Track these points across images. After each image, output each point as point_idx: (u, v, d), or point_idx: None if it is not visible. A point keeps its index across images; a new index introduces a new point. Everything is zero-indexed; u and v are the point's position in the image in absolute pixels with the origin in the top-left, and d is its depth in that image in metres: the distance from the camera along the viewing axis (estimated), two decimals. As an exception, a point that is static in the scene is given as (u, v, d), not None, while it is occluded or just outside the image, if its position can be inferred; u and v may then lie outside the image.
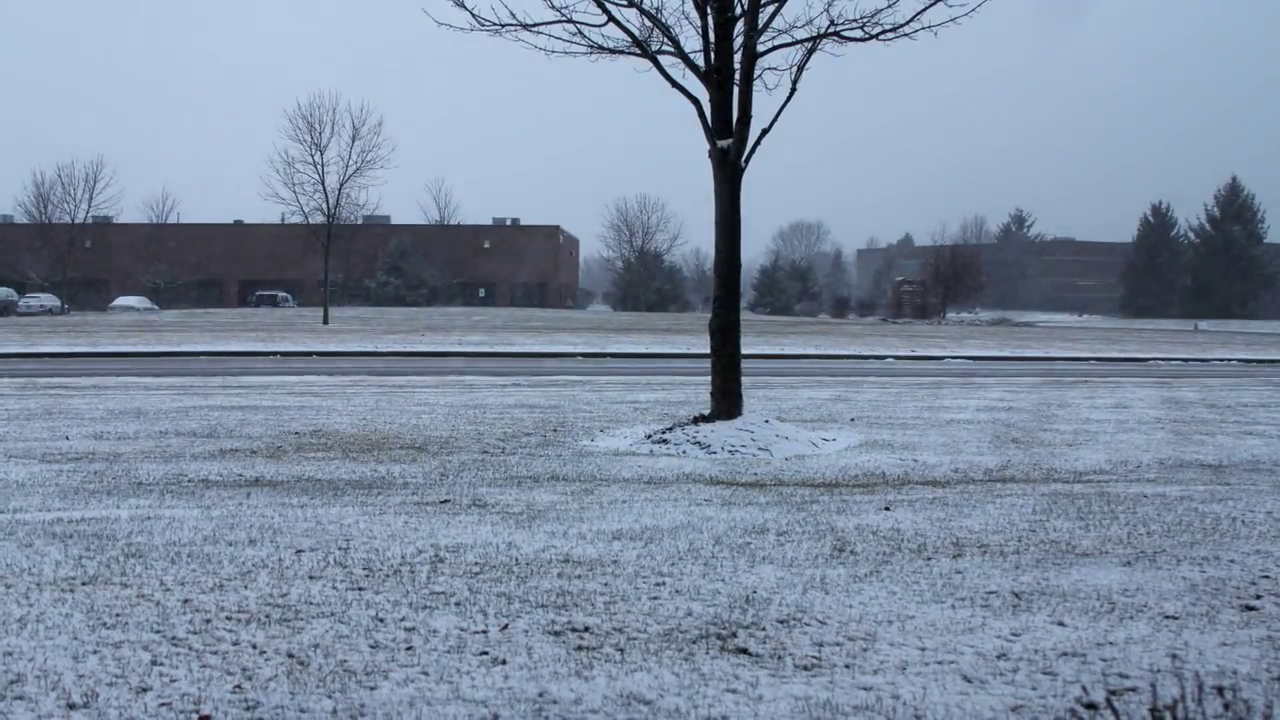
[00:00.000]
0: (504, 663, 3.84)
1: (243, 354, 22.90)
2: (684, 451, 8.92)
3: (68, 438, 9.36)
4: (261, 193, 43.97)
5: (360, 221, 53.24)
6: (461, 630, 4.21)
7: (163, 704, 3.35)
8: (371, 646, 3.97)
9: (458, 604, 4.55)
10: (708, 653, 3.99)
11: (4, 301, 54.81)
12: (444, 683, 3.64)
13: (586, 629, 4.27)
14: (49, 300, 57.48)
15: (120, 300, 61.54)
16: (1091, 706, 2.51)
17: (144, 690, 3.47)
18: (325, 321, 40.33)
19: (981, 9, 9.73)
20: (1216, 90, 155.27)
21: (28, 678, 3.55)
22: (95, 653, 3.82)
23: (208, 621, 4.19)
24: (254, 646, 3.90)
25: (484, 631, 4.19)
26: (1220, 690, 2.52)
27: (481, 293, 76.11)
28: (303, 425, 10.32)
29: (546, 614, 4.44)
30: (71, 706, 3.32)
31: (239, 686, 3.51)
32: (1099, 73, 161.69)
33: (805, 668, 3.85)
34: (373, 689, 3.55)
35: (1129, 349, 31.71)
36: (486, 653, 3.95)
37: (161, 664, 3.72)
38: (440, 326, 37.33)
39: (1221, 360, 26.90)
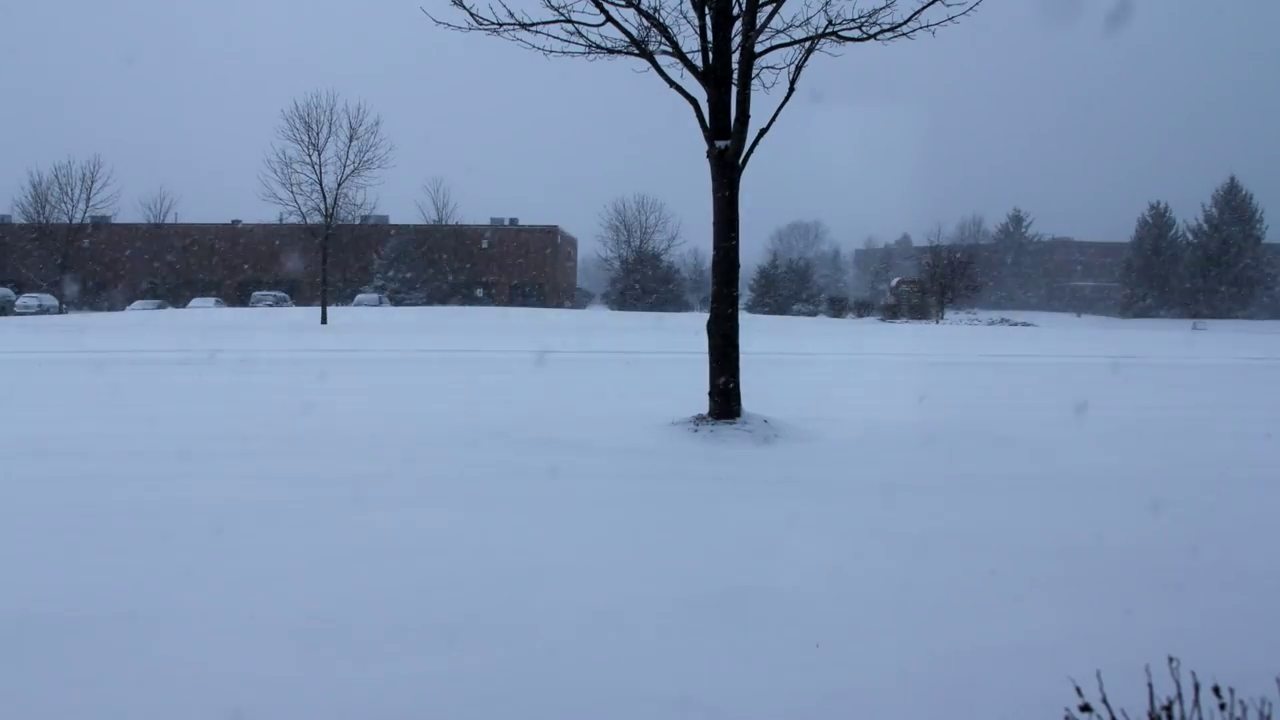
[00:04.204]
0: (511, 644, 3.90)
1: (241, 352, 22.88)
2: (683, 450, 8.92)
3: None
4: (259, 193, 43.81)
5: (358, 221, 53.17)
6: (472, 614, 4.28)
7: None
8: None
9: (474, 587, 4.63)
10: (710, 629, 4.05)
11: (1, 301, 54.80)
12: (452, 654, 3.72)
13: (596, 610, 4.36)
14: (47, 300, 57.45)
15: (138, 304, 61.66)
16: (1086, 709, 2.50)
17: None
18: (323, 321, 40.28)
19: (979, 8, 9.76)
20: (1215, 90, 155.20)
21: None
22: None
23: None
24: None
25: (489, 616, 4.23)
26: (1216, 690, 2.51)
27: (479, 292, 76.06)
28: (310, 423, 10.33)
29: (555, 595, 4.52)
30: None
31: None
32: (1097, 72, 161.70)
33: (808, 648, 3.91)
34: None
35: (1123, 346, 31.75)
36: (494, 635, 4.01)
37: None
38: (438, 326, 37.29)
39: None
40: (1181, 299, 79.73)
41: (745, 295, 65.04)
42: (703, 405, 10.15)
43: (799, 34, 9.99)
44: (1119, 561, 5.41)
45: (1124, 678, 2.91)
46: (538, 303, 72.94)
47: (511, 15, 9.92)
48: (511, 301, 73.68)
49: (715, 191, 10.07)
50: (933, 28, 9.81)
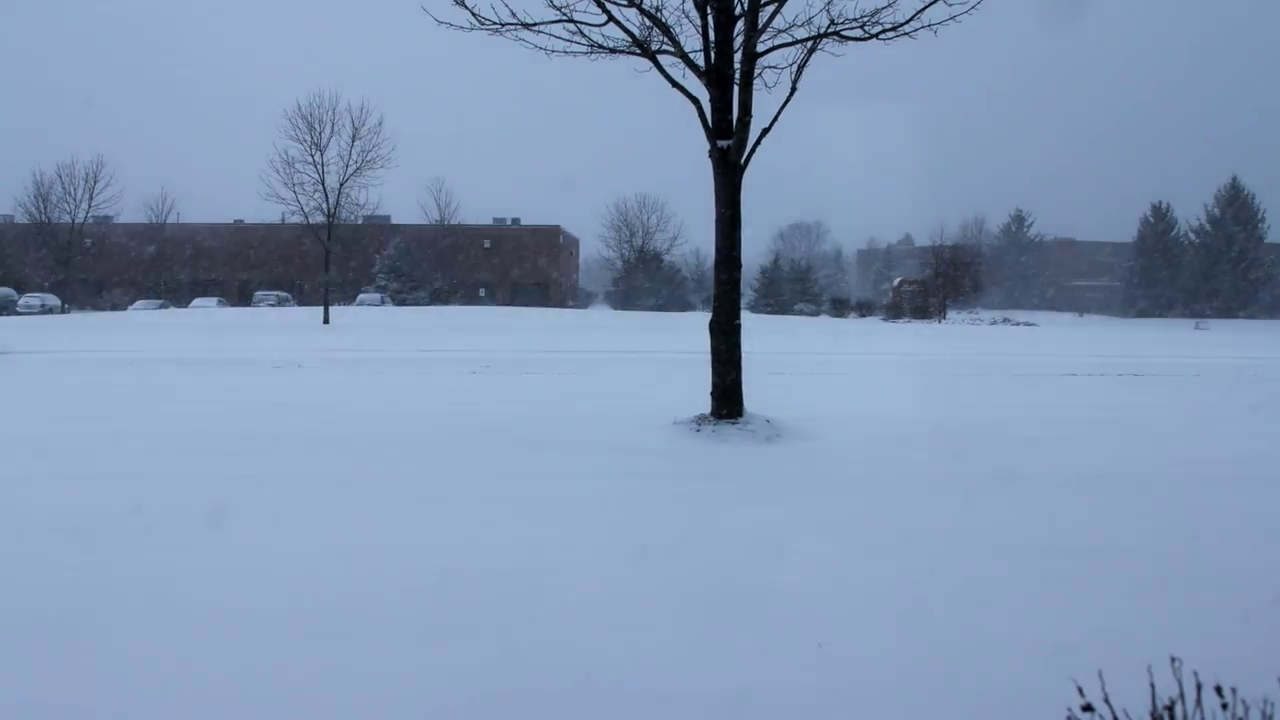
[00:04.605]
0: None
1: (243, 352, 22.90)
2: (685, 450, 8.92)
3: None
4: (261, 193, 43.80)
5: (360, 221, 53.17)
6: (471, 612, 4.28)
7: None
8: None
9: (474, 586, 4.63)
10: (712, 627, 4.06)
11: (3, 301, 54.83)
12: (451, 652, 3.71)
13: (598, 609, 4.38)
14: (49, 300, 57.49)
15: (140, 304, 61.75)
16: (1089, 708, 2.50)
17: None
18: (326, 321, 40.29)
19: (981, 7, 9.76)
20: (1216, 90, 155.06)
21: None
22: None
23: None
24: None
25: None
26: (1219, 689, 2.51)
27: (482, 293, 76.10)
28: (311, 423, 10.34)
29: (556, 594, 4.53)
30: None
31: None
32: (1099, 72, 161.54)
33: (810, 647, 3.92)
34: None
35: (1125, 346, 31.77)
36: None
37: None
38: (440, 326, 37.33)
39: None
40: (1184, 299, 79.67)
41: (747, 295, 65.07)
42: (705, 405, 10.15)
43: (801, 33, 10.00)
44: (1120, 560, 5.41)
45: (1126, 677, 2.91)
46: (540, 303, 72.95)
47: (513, 15, 9.92)
48: (514, 301, 73.70)
49: (717, 191, 10.07)
50: (934, 27, 9.80)
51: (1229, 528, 6.32)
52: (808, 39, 9.96)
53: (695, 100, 10.05)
